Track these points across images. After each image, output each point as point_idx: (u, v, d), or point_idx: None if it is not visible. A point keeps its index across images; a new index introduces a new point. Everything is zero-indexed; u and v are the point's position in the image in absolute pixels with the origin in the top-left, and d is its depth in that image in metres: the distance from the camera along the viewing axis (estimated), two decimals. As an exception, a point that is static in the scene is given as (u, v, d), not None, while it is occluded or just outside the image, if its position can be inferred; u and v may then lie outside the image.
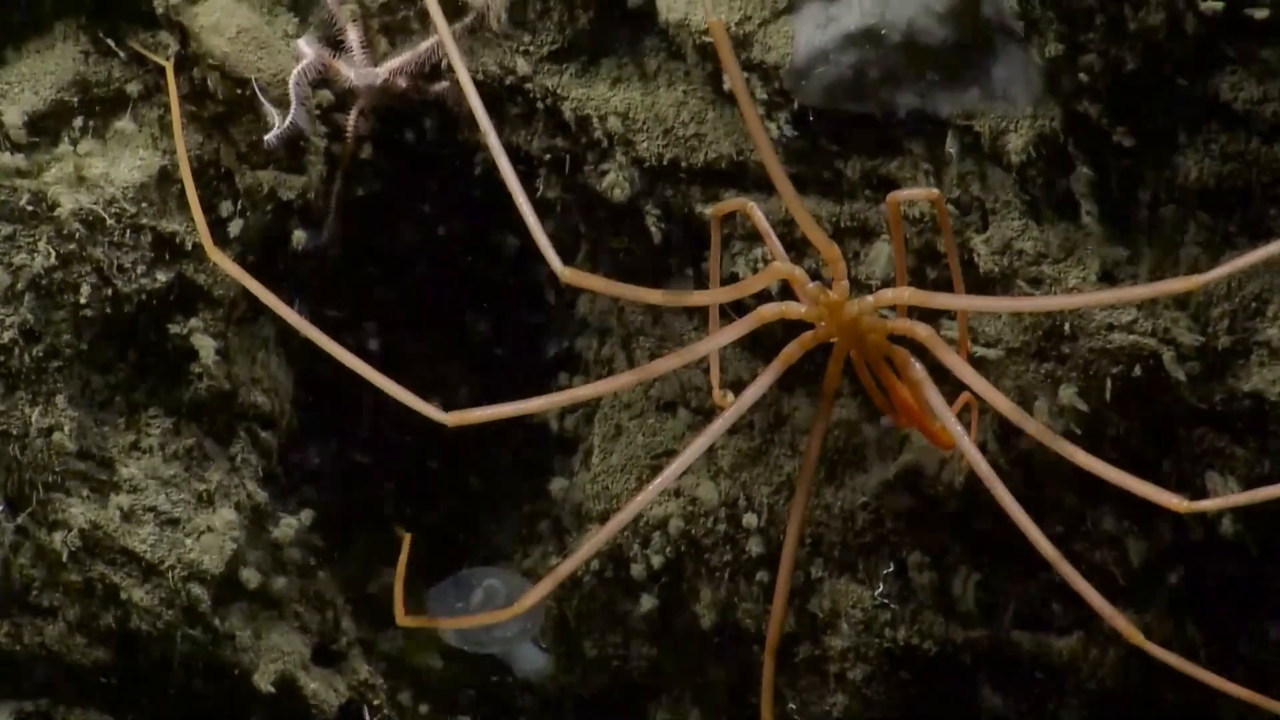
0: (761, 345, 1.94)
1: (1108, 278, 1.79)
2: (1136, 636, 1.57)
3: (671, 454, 2.00)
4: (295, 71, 1.90)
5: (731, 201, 1.84)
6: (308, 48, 1.93)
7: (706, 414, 2.02)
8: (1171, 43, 1.68)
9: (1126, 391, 1.80)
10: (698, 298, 1.85)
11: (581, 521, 2.10)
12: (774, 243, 1.77)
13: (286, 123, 1.88)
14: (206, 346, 1.92)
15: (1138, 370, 1.78)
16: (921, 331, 1.66)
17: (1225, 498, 1.60)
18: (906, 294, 1.67)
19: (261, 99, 1.88)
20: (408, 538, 1.89)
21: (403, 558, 1.85)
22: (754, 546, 1.99)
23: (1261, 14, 1.62)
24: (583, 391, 1.72)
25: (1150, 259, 1.80)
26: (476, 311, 2.20)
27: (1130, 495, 1.54)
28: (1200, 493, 1.83)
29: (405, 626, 1.86)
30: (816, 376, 1.79)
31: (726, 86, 1.86)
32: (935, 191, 1.76)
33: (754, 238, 1.89)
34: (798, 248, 1.83)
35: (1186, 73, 1.70)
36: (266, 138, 1.88)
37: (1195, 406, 1.80)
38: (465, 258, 2.15)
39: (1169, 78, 1.71)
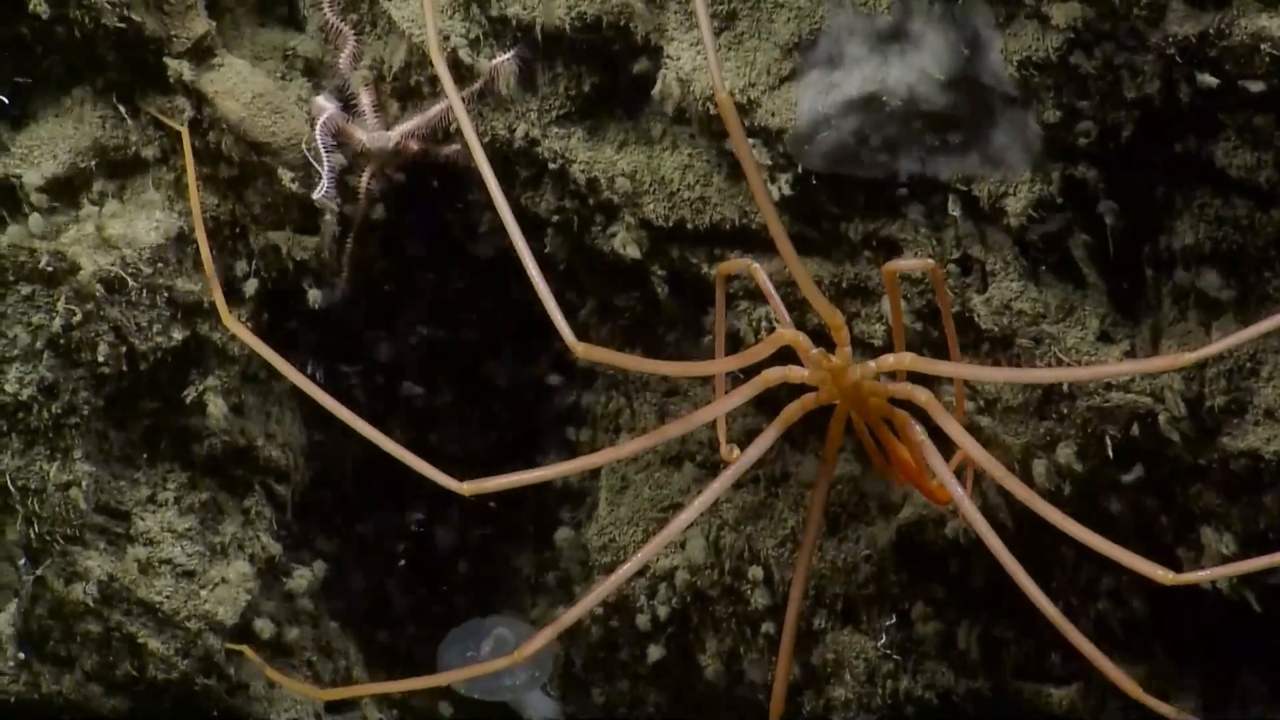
0: (766, 398, 1.95)
1: (1105, 338, 1.82)
2: (1135, 690, 1.59)
3: (677, 507, 2.02)
4: (319, 123, 1.92)
5: (736, 261, 1.86)
6: (327, 102, 1.95)
7: (711, 468, 2.04)
8: (1167, 110, 1.70)
9: (1124, 450, 1.83)
10: (704, 368, 1.86)
11: (589, 573, 2.12)
12: (778, 305, 1.79)
13: (326, 175, 1.91)
14: (220, 403, 1.95)
15: (1135, 429, 1.81)
16: (921, 396, 1.69)
17: (1209, 570, 1.61)
18: (907, 360, 1.70)
19: (310, 160, 1.91)
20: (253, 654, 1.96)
21: (268, 670, 1.93)
22: (759, 598, 2.01)
23: (1257, 88, 1.64)
24: (596, 458, 1.75)
25: (1147, 320, 1.82)
26: (486, 366, 2.22)
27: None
28: (1198, 547, 1.86)
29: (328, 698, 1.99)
30: (820, 433, 1.80)
31: (729, 148, 1.86)
32: (930, 262, 1.78)
33: (757, 296, 1.90)
34: (800, 306, 1.84)
35: (1182, 139, 1.73)
36: (315, 196, 1.91)
37: (1192, 464, 1.83)
38: (473, 315, 2.17)
39: (1165, 144, 1.74)
